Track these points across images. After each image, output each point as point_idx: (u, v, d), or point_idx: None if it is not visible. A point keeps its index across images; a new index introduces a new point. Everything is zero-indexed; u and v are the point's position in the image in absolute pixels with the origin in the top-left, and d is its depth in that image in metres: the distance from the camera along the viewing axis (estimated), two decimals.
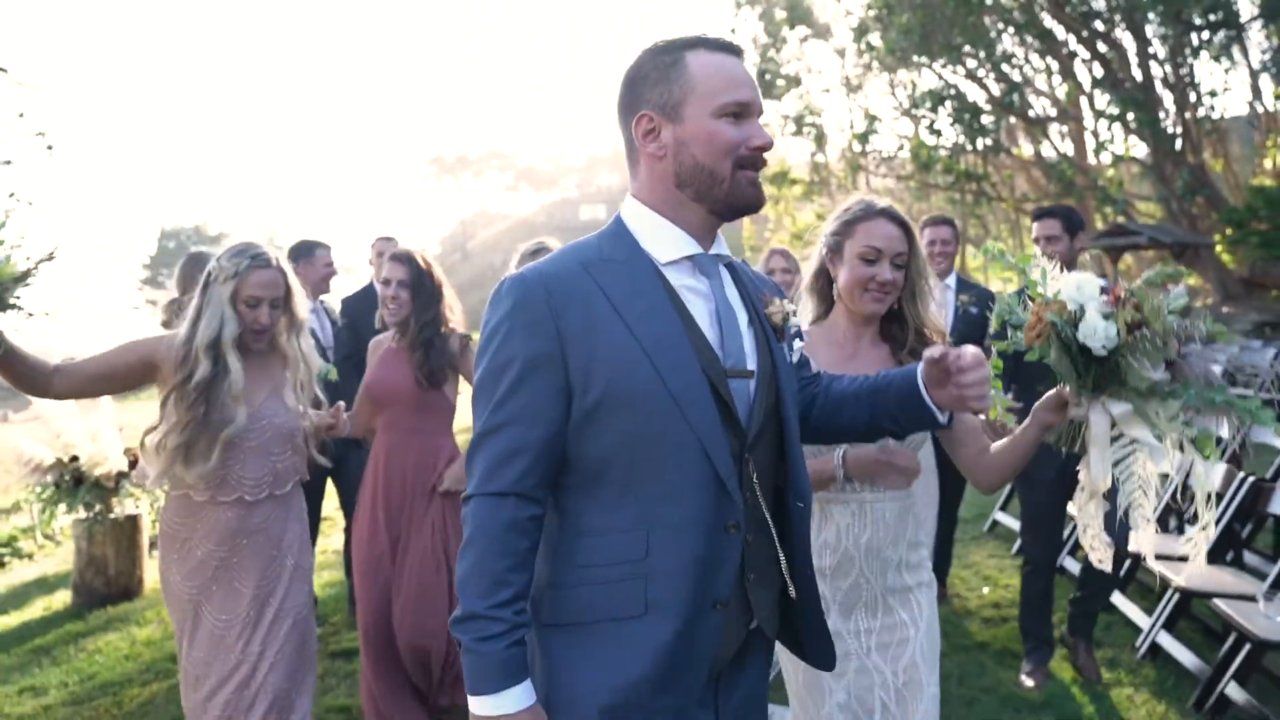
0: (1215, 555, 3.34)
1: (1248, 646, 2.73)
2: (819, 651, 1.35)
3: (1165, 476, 1.49)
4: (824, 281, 1.85)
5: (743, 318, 1.28)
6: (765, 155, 1.25)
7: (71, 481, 4.56)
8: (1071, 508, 1.67)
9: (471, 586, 1.14)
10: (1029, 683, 3.10)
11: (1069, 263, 2.97)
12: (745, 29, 21.37)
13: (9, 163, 9.83)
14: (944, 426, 1.38)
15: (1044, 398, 1.57)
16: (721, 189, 1.22)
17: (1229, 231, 14.98)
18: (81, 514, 4.64)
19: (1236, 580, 3.11)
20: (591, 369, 1.16)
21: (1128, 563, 3.66)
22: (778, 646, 1.47)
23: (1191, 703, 2.89)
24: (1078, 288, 1.49)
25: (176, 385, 2.16)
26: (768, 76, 20.64)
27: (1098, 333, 1.44)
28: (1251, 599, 2.80)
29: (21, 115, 9.20)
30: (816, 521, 1.77)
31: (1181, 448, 1.48)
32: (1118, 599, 3.65)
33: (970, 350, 1.26)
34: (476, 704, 1.14)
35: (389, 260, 2.84)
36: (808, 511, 1.32)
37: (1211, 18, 14.71)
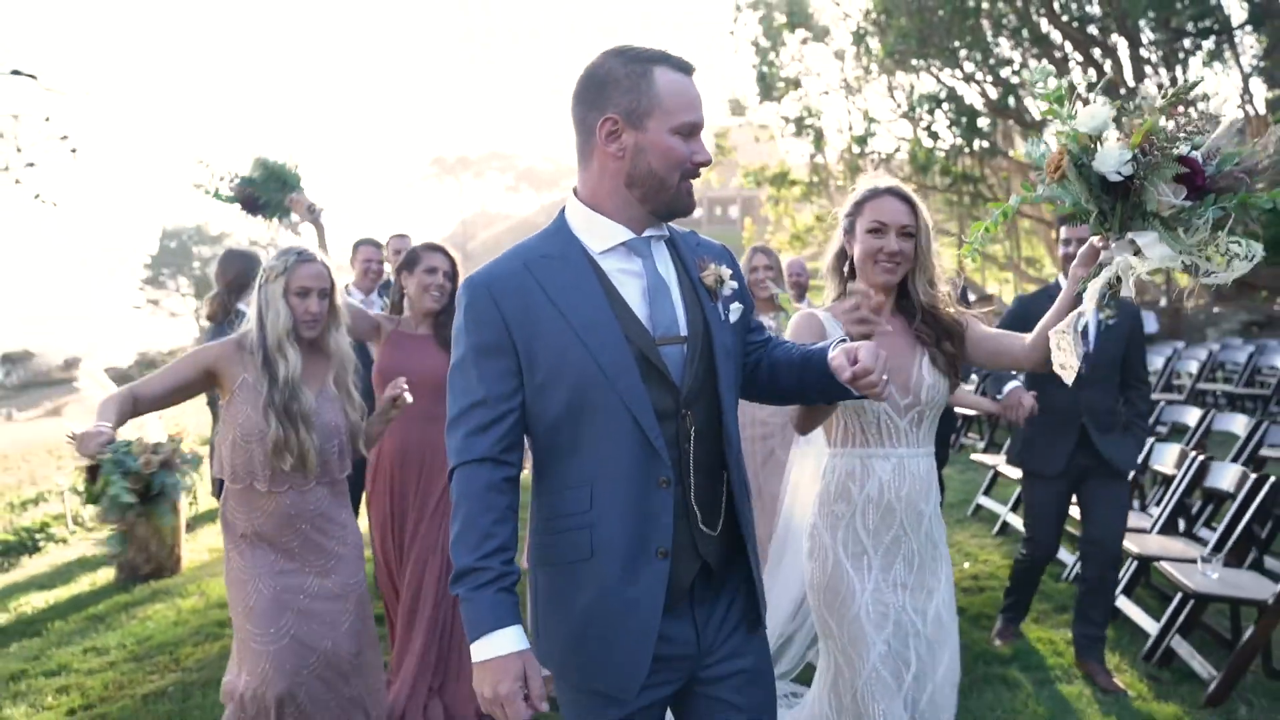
0: (1237, 556, 3.32)
1: (1191, 603, 3.07)
2: (755, 585, 1.49)
3: (1171, 478, 1.63)
4: (843, 261, 1.98)
5: (675, 289, 1.42)
6: (703, 168, 1.40)
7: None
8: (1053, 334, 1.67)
9: (462, 544, 1.31)
10: (998, 641, 3.42)
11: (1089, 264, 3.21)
12: (745, 31, 21.64)
13: (32, 165, 10.20)
14: (859, 398, 1.45)
15: (1080, 251, 1.64)
16: (666, 194, 1.38)
17: None
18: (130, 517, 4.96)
19: (1185, 547, 3.44)
20: (535, 352, 1.34)
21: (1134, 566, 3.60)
22: (808, 623, 1.77)
23: (1141, 655, 3.23)
24: (1091, 116, 1.50)
25: (251, 387, 2.26)
26: (768, 78, 20.93)
27: (1111, 159, 1.45)
28: (1193, 561, 3.13)
29: (48, 119, 9.60)
30: (859, 477, 1.88)
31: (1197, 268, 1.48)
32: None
33: (864, 353, 1.36)
34: (475, 650, 1.29)
35: (432, 251, 2.94)
36: (740, 455, 1.47)
37: (1201, 24, 14.99)
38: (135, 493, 2.21)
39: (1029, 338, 1.81)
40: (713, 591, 1.45)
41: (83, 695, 3.30)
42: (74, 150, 9.45)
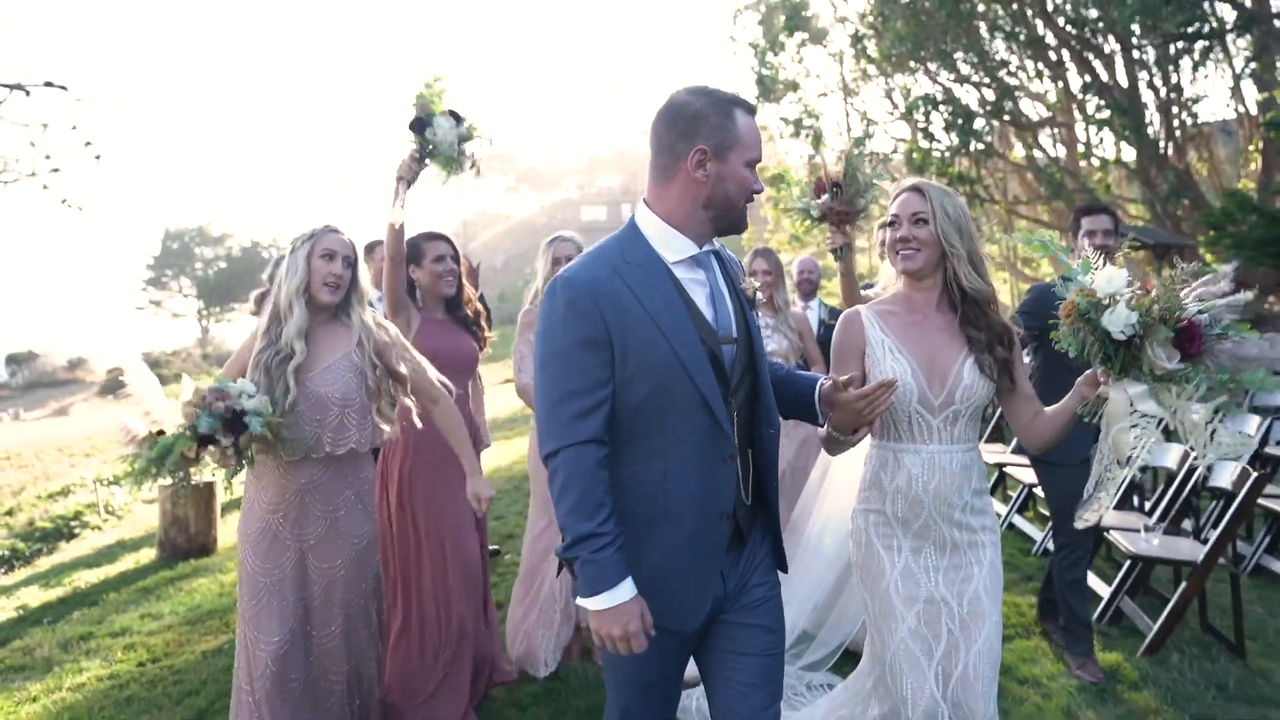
0: (1176, 525, 3.68)
1: (1137, 567, 3.46)
2: (776, 540, 1.75)
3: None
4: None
5: (729, 296, 1.67)
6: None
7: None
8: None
9: (580, 514, 1.48)
10: (1086, 677, 3.04)
11: (1111, 256, 3.29)
12: (744, 34, 21.93)
13: (57, 170, 10.58)
14: (820, 426, 1.76)
15: (1085, 374, 1.80)
16: (733, 215, 1.64)
17: (1210, 233, 15.57)
18: (168, 481, 5.34)
19: (1135, 519, 3.82)
20: (627, 346, 1.53)
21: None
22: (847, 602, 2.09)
23: (1095, 616, 3.61)
24: (1108, 280, 1.68)
25: (265, 347, 2.32)
26: (766, 80, 21.22)
27: (1119, 320, 1.62)
28: (1138, 530, 3.51)
29: (75, 128, 9.97)
30: (890, 469, 1.95)
31: (1192, 434, 1.63)
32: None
33: (851, 391, 1.65)
34: (595, 602, 1.49)
35: (434, 240, 2.97)
36: (777, 436, 1.71)
37: (1189, 29, 15.28)
38: (222, 430, 2.21)
39: (1042, 418, 1.92)
40: (740, 545, 1.67)
41: (148, 651, 3.68)
42: (98, 157, 9.85)
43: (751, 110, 1.65)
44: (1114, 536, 3.48)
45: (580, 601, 1.52)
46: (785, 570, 1.77)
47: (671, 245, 1.61)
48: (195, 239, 47.96)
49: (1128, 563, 3.54)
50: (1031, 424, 1.93)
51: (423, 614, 2.82)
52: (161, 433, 5.31)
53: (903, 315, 1.95)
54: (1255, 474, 3.19)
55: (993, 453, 5.49)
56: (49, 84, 8.71)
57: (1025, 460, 4.51)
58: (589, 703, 2.93)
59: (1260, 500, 4.12)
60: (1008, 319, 1.98)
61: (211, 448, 2.23)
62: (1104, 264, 1.74)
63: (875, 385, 1.64)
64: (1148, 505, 4.24)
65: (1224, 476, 3.42)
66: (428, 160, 2.82)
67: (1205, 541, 3.41)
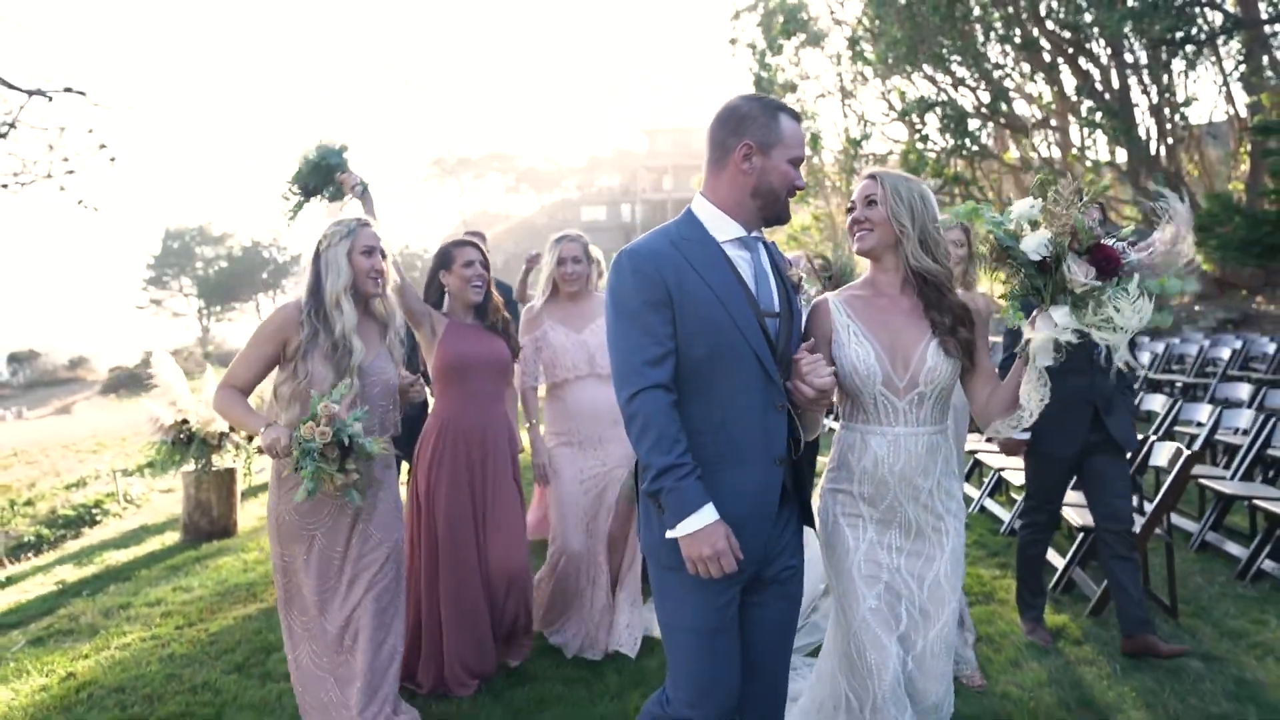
0: None
1: (1089, 539, 3.80)
2: (807, 504, 1.91)
3: None
4: None
5: (772, 278, 1.84)
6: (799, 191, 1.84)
7: (184, 440, 5.62)
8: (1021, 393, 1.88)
9: (661, 449, 1.64)
10: (1037, 640, 3.31)
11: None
12: (743, 36, 22.21)
13: (72, 172, 10.90)
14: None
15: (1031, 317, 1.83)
16: (776, 206, 1.82)
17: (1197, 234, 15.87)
18: (190, 466, 5.70)
19: None
20: (685, 308, 1.71)
21: None
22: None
23: (1050, 585, 3.95)
24: (1021, 211, 1.79)
25: (312, 337, 2.38)
26: (764, 82, 21.50)
27: (1033, 242, 1.72)
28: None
29: (91, 131, 10.29)
30: (857, 451, 1.99)
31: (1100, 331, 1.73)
32: None
33: (818, 356, 1.80)
34: (683, 526, 1.63)
35: (463, 246, 3.05)
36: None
37: (1178, 34, 15.56)
38: (336, 454, 2.26)
39: (998, 391, 1.95)
40: (780, 505, 1.81)
41: (184, 617, 4.02)
42: (113, 159, 10.17)
43: (796, 116, 1.85)
44: (1066, 512, 3.82)
45: (669, 533, 1.66)
46: (812, 525, 1.96)
47: (722, 227, 1.81)
48: (196, 238, 47.97)
49: (1080, 535, 3.88)
50: (989, 402, 1.96)
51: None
52: (186, 420, 5.59)
53: (869, 299, 2.00)
54: (1187, 453, 3.53)
55: (969, 441, 5.82)
56: (68, 89, 9.03)
57: (996, 447, 4.85)
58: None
59: (1206, 483, 4.48)
60: (979, 304, 2.03)
61: (331, 469, 2.26)
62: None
63: (808, 345, 1.80)
64: None
65: (1162, 456, 3.77)
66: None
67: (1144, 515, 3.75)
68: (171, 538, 5.93)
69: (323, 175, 2.99)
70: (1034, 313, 1.81)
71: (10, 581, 5.35)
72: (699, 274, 1.73)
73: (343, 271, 2.41)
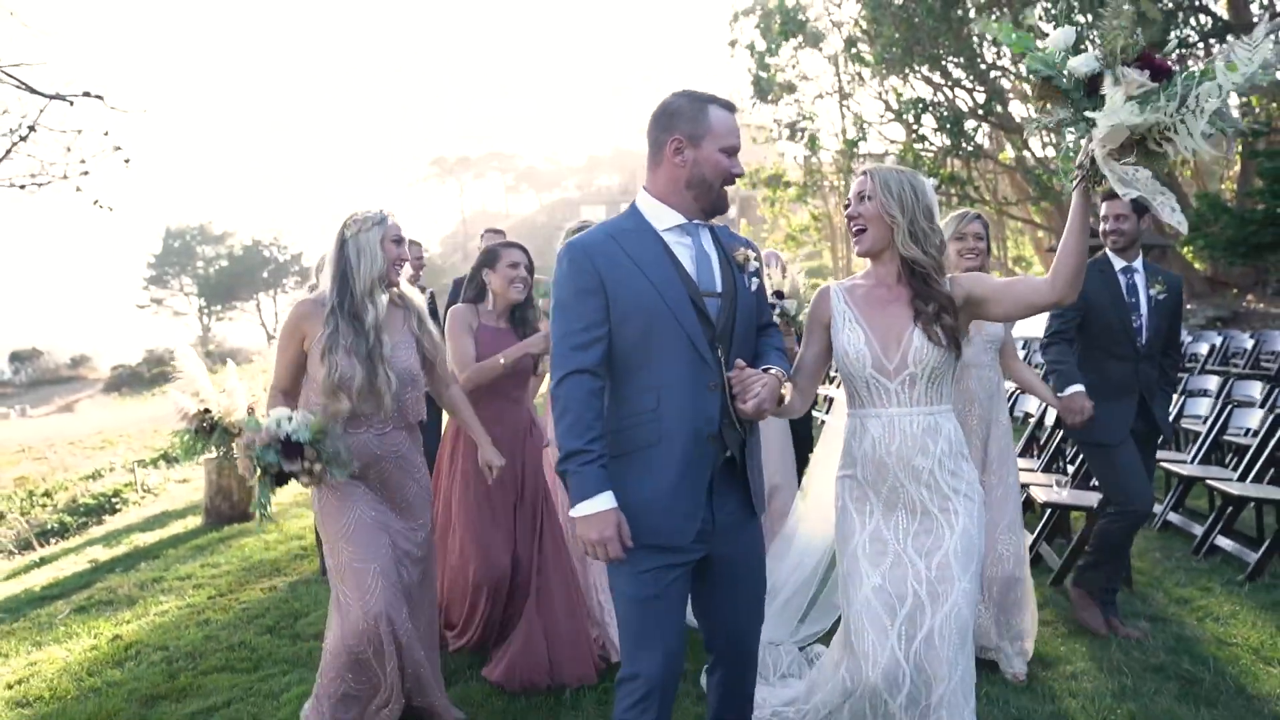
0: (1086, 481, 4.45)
1: (1054, 513, 4.11)
2: (756, 485, 1.91)
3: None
4: None
5: (715, 260, 1.89)
6: (736, 179, 1.88)
7: (207, 429, 5.92)
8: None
9: (573, 433, 1.73)
10: (1134, 634, 3.17)
11: (1133, 240, 3.23)
12: (742, 38, 22.43)
13: (87, 173, 11.19)
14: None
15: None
16: (710, 195, 1.87)
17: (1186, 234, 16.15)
18: (212, 454, 6.00)
19: (1053, 477, 4.47)
20: (618, 293, 1.78)
21: None
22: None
23: None
24: (1062, 36, 1.70)
25: (335, 332, 2.34)
26: (763, 83, 21.72)
27: (1078, 60, 1.67)
28: (1049, 485, 4.17)
29: (106, 133, 10.59)
30: (858, 435, 2.04)
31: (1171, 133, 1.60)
32: None
33: (748, 376, 1.80)
34: (579, 509, 1.72)
35: (510, 248, 3.10)
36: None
37: (1166, 37, 15.81)
38: (306, 469, 2.25)
39: (1050, 272, 1.88)
40: (727, 482, 1.87)
41: (215, 589, 4.33)
42: (127, 161, 10.42)
43: (728, 107, 1.88)
44: (1033, 490, 4.13)
45: (571, 512, 1.75)
46: (761, 511, 1.96)
47: (661, 216, 1.88)
48: (196, 237, 48.19)
49: (1047, 512, 4.19)
50: (1052, 279, 1.85)
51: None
52: (208, 410, 5.89)
53: (867, 288, 2.07)
54: None
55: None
56: (86, 94, 9.30)
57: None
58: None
59: (1168, 466, 4.79)
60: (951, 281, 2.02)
61: (294, 476, 2.27)
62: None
63: (740, 365, 1.81)
64: (1070, 468, 4.90)
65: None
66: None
67: None
68: (193, 521, 6.24)
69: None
70: (1086, 140, 1.71)
71: (44, 561, 5.67)
72: (632, 260, 1.81)
73: (378, 258, 2.38)
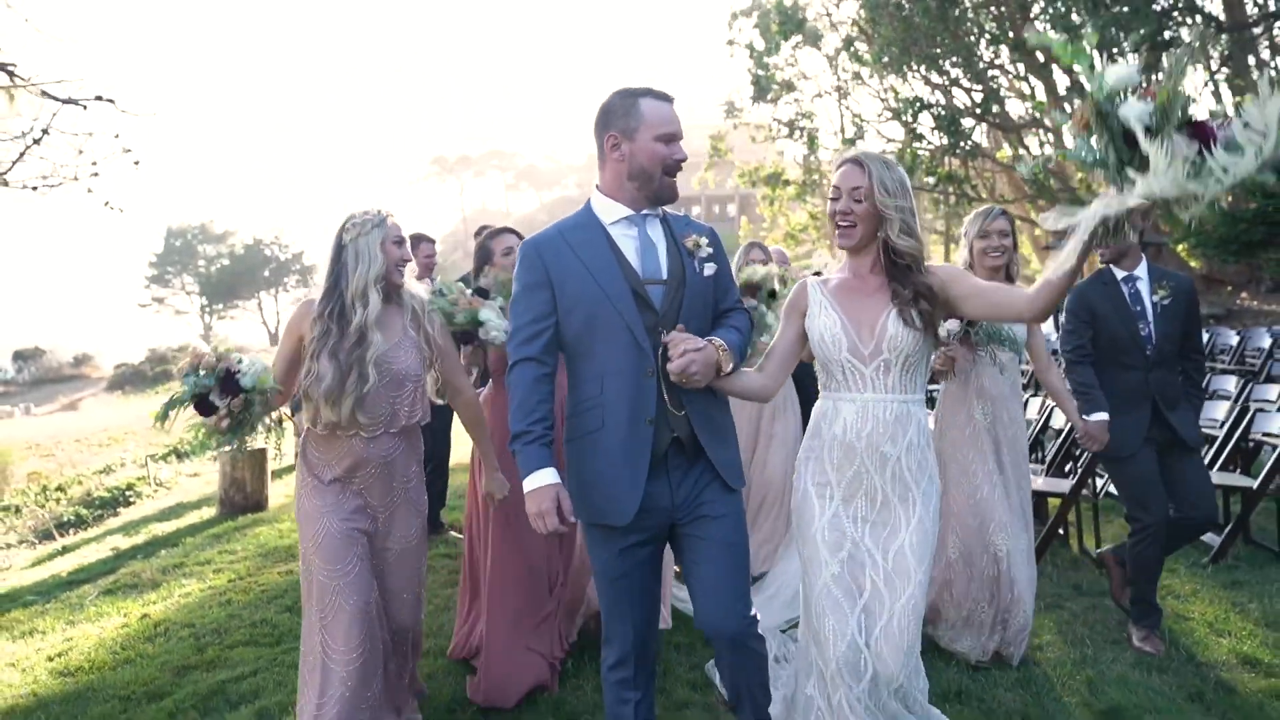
0: (1061, 469, 4.64)
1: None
2: (722, 461, 1.96)
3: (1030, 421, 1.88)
4: None
5: (662, 248, 1.95)
6: (681, 165, 1.92)
7: (210, 368, 6.13)
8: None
9: (518, 416, 1.87)
10: (1149, 649, 3.05)
11: (1123, 252, 3.19)
12: (741, 37, 22.58)
13: (96, 175, 11.42)
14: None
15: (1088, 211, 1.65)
16: (653, 184, 1.92)
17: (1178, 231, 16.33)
18: (227, 448, 6.21)
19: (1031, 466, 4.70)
20: (563, 286, 1.89)
21: None
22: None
23: None
24: (1118, 73, 1.59)
25: (323, 335, 2.30)
26: (762, 82, 21.86)
27: (1135, 109, 1.55)
28: None
29: (117, 136, 10.82)
30: (830, 417, 2.07)
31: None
32: None
33: (679, 338, 1.85)
34: (526, 484, 1.84)
35: (500, 234, 3.15)
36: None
37: (1159, 37, 15.98)
38: (229, 411, 2.31)
39: (1032, 290, 1.89)
40: (686, 461, 1.94)
41: (234, 573, 4.56)
42: (137, 163, 10.65)
43: (662, 97, 1.94)
44: None
45: (524, 487, 1.87)
46: (738, 485, 2.00)
47: (608, 210, 1.97)
48: (198, 236, 48.38)
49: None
50: (1033, 298, 1.88)
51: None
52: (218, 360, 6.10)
53: (843, 280, 2.11)
54: None
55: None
56: (99, 98, 9.52)
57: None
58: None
59: None
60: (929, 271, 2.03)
61: (213, 410, 2.29)
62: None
63: (679, 328, 1.88)
64: (1045, 457, 5.13)
65: None
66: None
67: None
68: (208, 512, 6.47)
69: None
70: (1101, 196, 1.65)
71: (66, 550, 5.89)
72: (576, 254, 1.91)
73: (376, 260, 2.36)
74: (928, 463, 2.05)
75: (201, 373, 2.27)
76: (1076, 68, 1.66)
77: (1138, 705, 2.64)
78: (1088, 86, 1.64)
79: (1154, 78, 1.65)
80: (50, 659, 3.46)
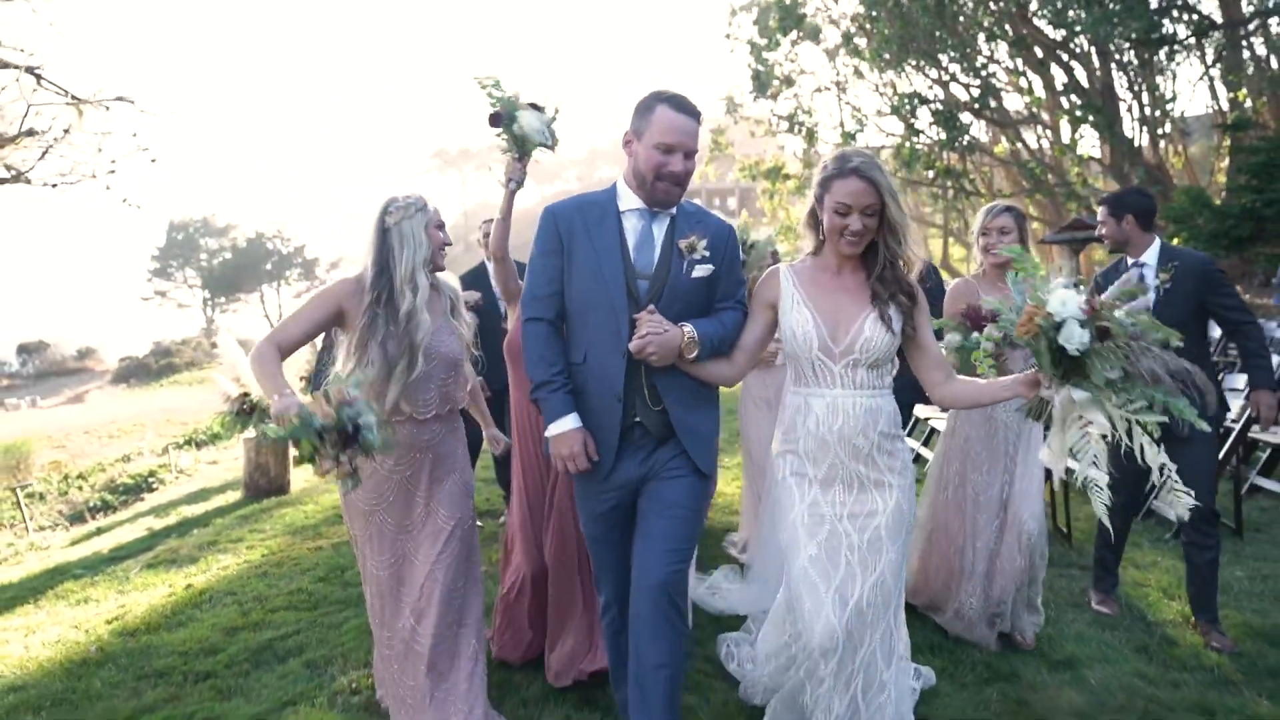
0: None
1: None
2: (695, 450, 2.08)
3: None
4: (816, 220, 2.12)
5: (658, 246, 2.05)
6: (680, 176, 1.99)
7: (247, 410, 6.47)
8: (1044, 456, 1.94)
9: (539, 367, 2.01)
10: (1105, 610, 3.31)
11: (1122, 241, 3.23)
12: (740, 33, 22.73)
13: (113, 172, 11.69)
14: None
15: (1024, 374, 1.94)
16: (645, 188, 2.03)
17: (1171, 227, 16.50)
18: (252, 433, 6.55)
19: None
20: (572, 258, 2.03)
21: None
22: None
23: None
24: (1062, 303, 1.80)
25: (371, 324, 2.30)
26: (762, 77, 22.03)
27: (1074, 339, 1.78)
28: None
29: (135, 135, 11.08)
30: (802, 413, 2.12)
31: (1129, 433, 1.78)
32: None
33: (645, 318, 1.98)
34: (551, 429, 1.99)
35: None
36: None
37: (1153, 35, 16.16)
38: (335, 438, 1.97)
39: (957, 384, 2.08)
40: (653, 442, 2.07)
41: (266, 549, 4.88)
42: (154, 160, 10.92)
43: (680, 107, 2.00)
44: None
45: (545, 433, 2.04)
46: (709, 472, 2.11)
47: (626, 198, 2.10)
48: (200, 230, 48.35)
49: None
50: (944, 386, 2.10)
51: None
52: (247, 394, 6.44)
53: (814, 273, 2.13)
54: None
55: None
56: (120, 98, 9.80)
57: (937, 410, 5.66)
58: None
59: None
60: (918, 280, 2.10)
61: (320, 459, 2.00)
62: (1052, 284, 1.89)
63: (649, 309, 1.99)
64: None
65: None
66: (523, 155, 2.92)
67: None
68: (233, 496, 6.80)
69: (543, 128, 2.97)
70: (1038, 379, 1.90)
71: (101, 531, 6.22)
72: (587, 231, 2.03)
73: (423, 244, 2.38)
74: (898, 450, 2.13)
75: (317, 422, 1.94)
76: (1018, 283, 1.94)
77: (1089, 656, 2.97)
78: (1029, 303, 1.88)
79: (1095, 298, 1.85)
80: (108, 622, 3.79)
